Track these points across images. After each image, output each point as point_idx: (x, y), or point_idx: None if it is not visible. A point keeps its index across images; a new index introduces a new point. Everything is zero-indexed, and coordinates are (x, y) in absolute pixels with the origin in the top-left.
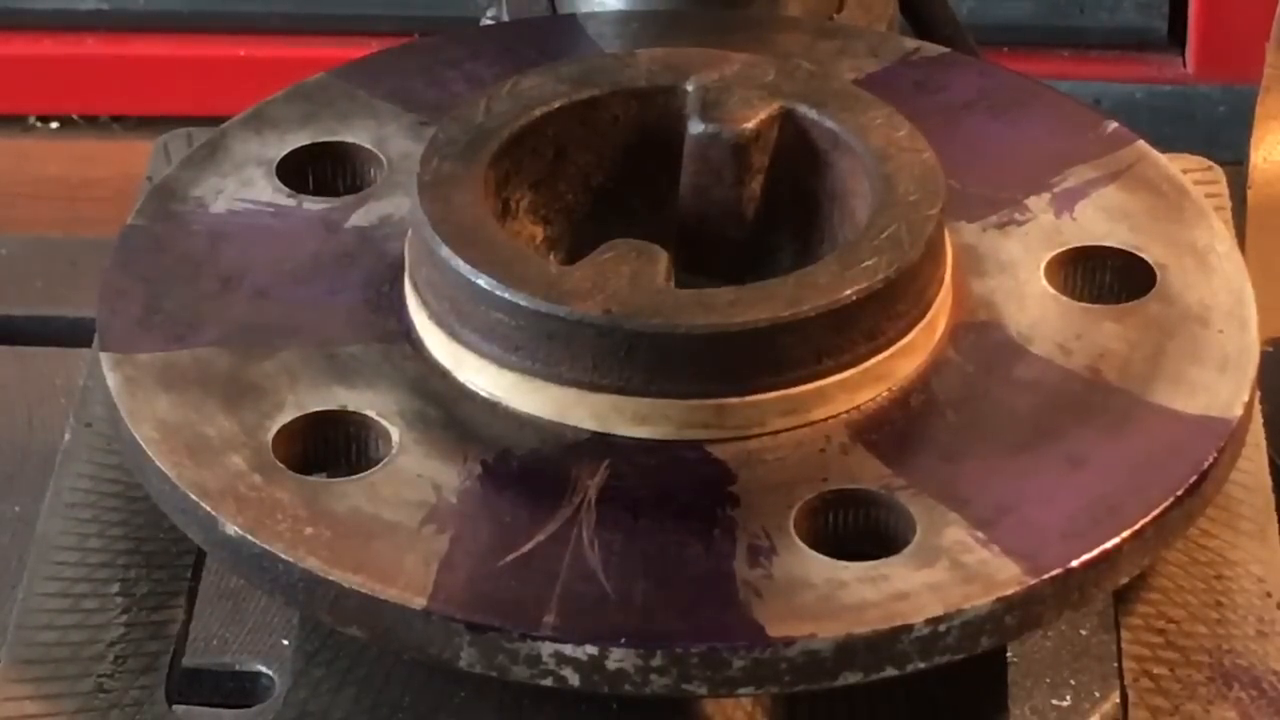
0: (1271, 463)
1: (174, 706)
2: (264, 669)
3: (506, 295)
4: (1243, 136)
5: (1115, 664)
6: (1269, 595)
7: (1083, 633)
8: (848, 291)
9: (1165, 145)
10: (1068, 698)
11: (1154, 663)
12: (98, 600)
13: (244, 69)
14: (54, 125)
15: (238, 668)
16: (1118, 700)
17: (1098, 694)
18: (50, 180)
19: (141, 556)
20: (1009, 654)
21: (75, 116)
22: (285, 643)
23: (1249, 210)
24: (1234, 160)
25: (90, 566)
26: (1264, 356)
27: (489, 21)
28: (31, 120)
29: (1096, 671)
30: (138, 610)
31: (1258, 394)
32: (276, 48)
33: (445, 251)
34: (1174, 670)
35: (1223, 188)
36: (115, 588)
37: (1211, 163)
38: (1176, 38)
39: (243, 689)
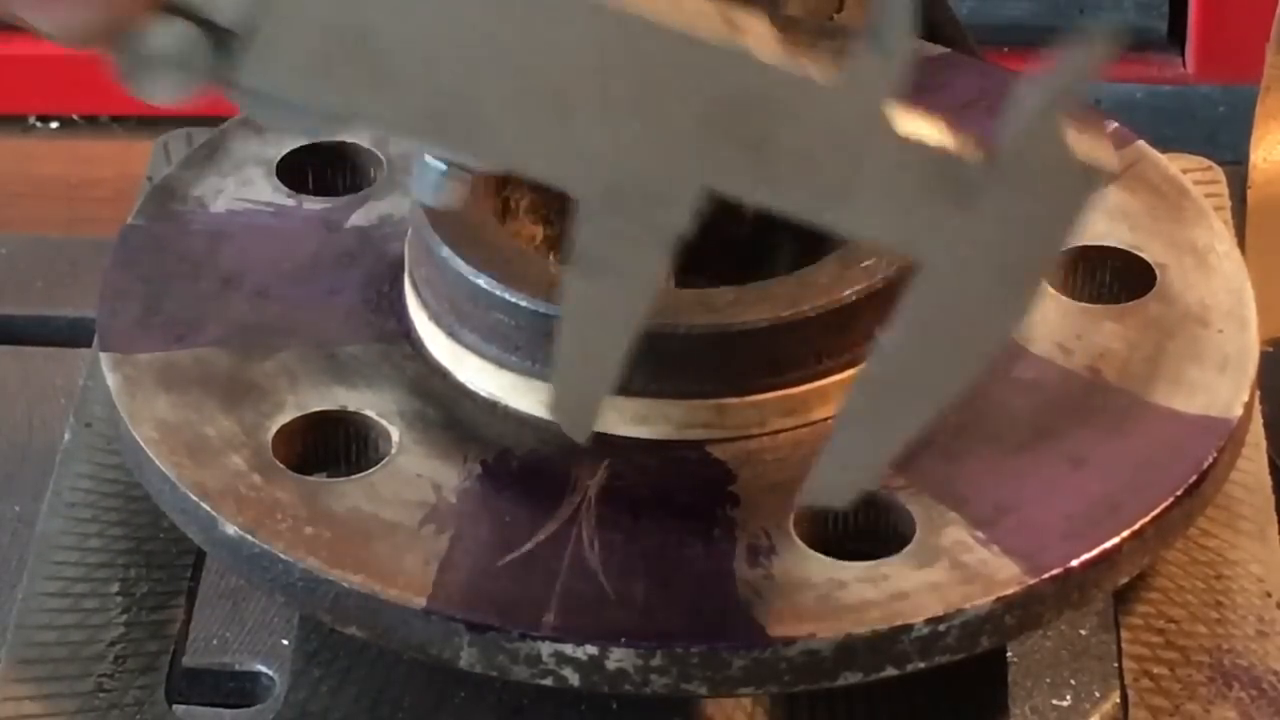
0: (1271, 463)
1: (174, 706)
2: (264, 669)
3: (506, 295)
4: (1242, 136)
5: (1115, 664)
6: (1269, 595)
7: (1083, 633)
8: (848, 291)
9: (1165, 145)
10: (1068, 698)
11: (1154, 663)
12: (98, 600)
13: None
14: (54, 125)
15: (237, 668)
16: (1118, 700)
17: (1098, 694)
18: (50, 180)
19: (141, 556)
20: (1009, 654)
21: (75, 116)
22: (285, 643)
23: (1249, 210)
24: (1234, 160)
25: (90, 566)
26: (1264, 356)
27: None
28: (31, 120)
29: (1097, 671)
30: (138, 610)
31: (1258, 394)
32: None
33: (445, 252)
34: (1174, 670)
35: (1223, 188)
36: (115, 588)
37: (1211, 163)
38: (1176, 38)
39: (243, 689)
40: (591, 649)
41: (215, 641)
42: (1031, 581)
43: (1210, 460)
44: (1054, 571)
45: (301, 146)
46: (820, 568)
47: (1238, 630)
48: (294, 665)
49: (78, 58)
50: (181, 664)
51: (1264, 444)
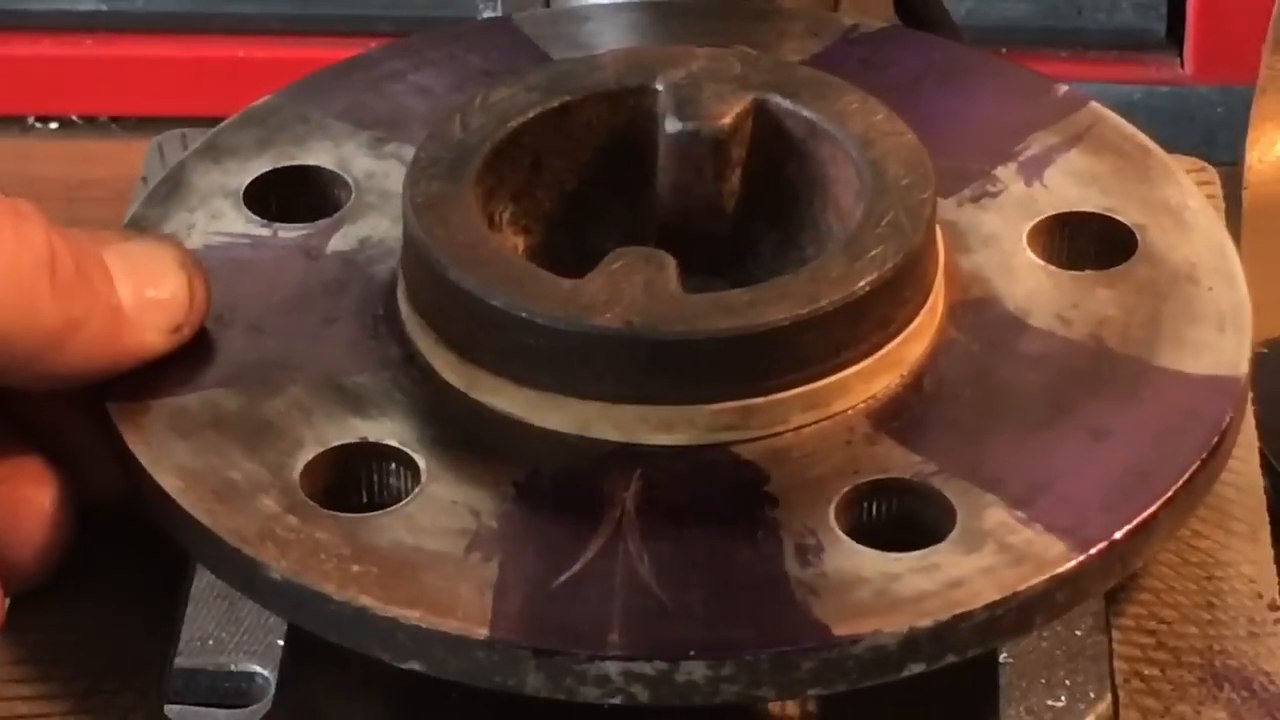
0: (1264, 462)
1: (167, 706)
2: (259, 669)
3: (523, 314)
4: (1241, 137)
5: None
6: (1260, 596)
7: (1077, 633)
8: (862, 283)
9: (1163, 146)
10: (1062, 698)
11: (1145, 664)
12: (93, 599)
13: (243, 69)
14: (54, 125)
15: (232, 668)
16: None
17: (1092, 694)
18: (50, 180)
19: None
20: (1003, 654)
21: (75, 116)
22: (280, 643)
23: (1245, 211)
24: (1232, 161)
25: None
26: (1260, 358)
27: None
28: (31, 120)
29: (1092, 672)
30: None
31: (1250, 395)
32: (275, 48)
33: (454, 274)
34: (1165, 671)
35: (1217, 189)
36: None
37: (1206, 164)
38: (1174, 39)
39: (237, 689)
40: (661, 664)
41: (210, 642)
42: (1080, 557)
43: (1228, 419)
44: (1100, 545)
45: (264, 173)
46: (871, 562)
47: (1229, 631)
48: (288, 665)
49: (77, 58)
50: (175, 664)
51: (1256, 444)
